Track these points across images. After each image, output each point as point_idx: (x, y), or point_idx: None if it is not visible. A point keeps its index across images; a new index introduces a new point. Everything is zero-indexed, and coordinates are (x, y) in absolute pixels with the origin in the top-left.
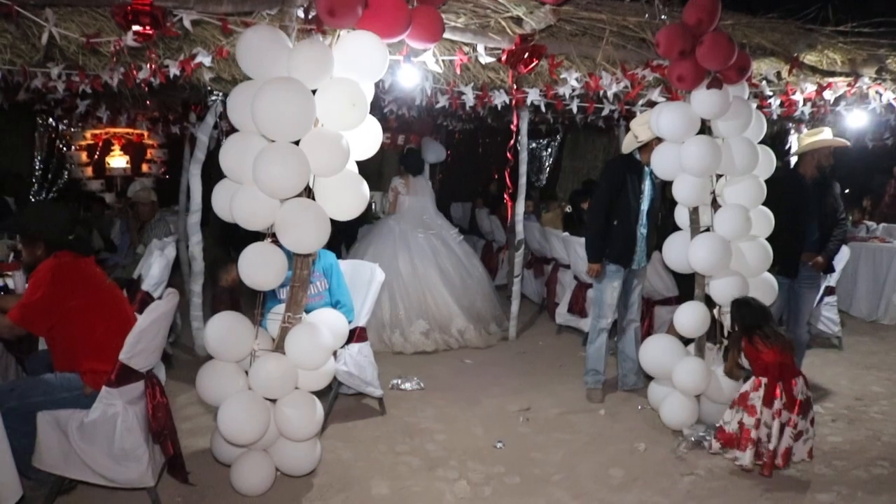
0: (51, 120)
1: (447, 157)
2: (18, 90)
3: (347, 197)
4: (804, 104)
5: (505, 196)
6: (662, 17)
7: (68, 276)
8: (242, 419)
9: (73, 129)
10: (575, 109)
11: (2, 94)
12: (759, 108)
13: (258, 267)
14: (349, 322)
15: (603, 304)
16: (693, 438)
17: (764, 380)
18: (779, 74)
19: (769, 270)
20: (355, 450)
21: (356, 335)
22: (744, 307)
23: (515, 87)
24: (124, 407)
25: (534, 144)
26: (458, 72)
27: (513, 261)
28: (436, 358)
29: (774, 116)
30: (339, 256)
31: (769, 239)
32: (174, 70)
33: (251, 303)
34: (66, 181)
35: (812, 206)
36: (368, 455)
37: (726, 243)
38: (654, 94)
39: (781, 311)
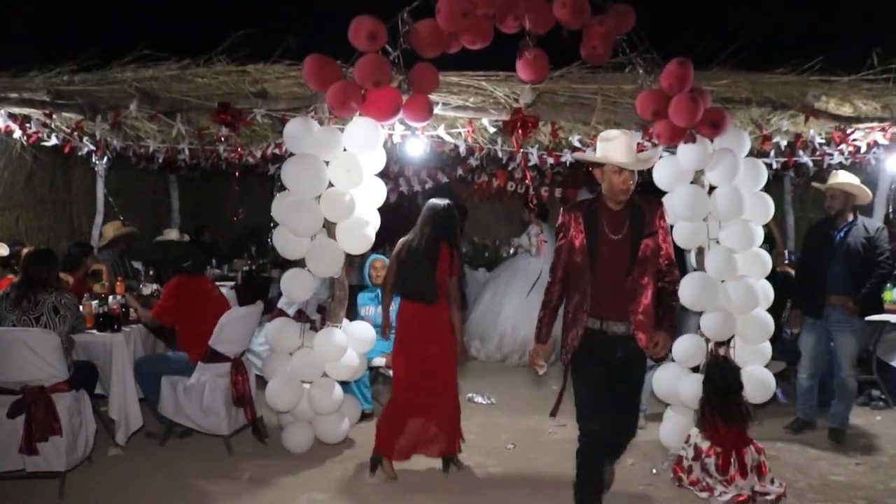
0: None
1: None
2: None
3: (353, 236)
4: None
5: None
6: (650, 84)
7: (183, 290)
8: (277, 391)
9: None
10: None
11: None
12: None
13: (291, 285)
14: None
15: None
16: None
17: (718, 449)
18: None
19: (800, 309)
20: None
21: None
22: (716, 370)
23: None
24: (212, 378)
25: None
26: (469, 140)
27: None
28: (532, 379)
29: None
30: None
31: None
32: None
33: None
34: None
35: (832, 246)
36: None
37: (710, 282)
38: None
39: (814, 351)
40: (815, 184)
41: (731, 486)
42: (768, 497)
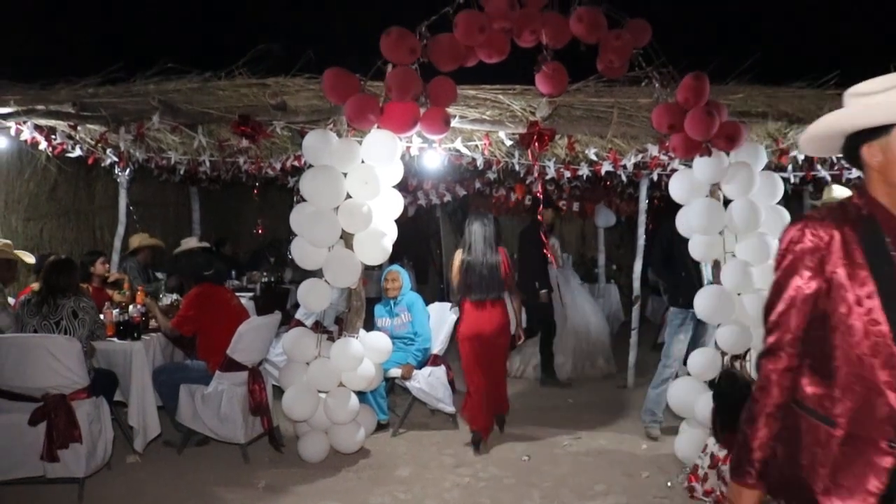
0: None
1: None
2: None
3: (370, 247)
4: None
5: None
6: (666, 98)
7: (203, 300)
8: (293, 400)
9: None
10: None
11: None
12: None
13: (308, 295)
14: (426, 349)
15: (670, 355)
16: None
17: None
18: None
19: None
20: (410, 446)
21: (430, 360)
22: (727, 383)
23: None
24: (229, 386)
25: None
26: (486, 153)
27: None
28: (547, 392)
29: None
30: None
31: None
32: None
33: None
34: None
35: None
36: (416, 450)
37: (726, 295)
38: (675, 163)
39: None
40: (811, 201)
41: None
42: None
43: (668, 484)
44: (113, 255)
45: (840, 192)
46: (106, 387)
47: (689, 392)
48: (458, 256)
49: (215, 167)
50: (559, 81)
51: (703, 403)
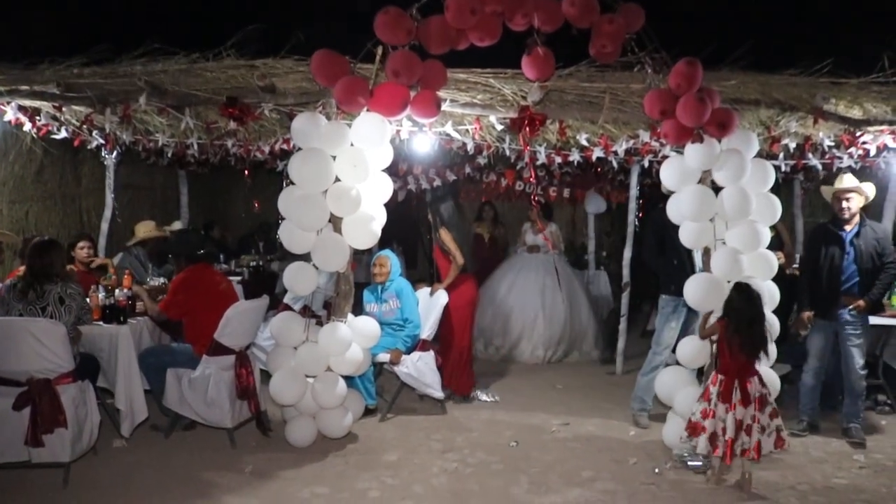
0: None
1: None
2: None
3: (359, 231)
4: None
5: None
6: (658, 84)
7: (191, 284)
8: (281, 385)
9: None
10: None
11: None
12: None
13: (294, 279)
14: (415, 335)
15: (661, 342)
16: (678, 459)
17: (721, 377)
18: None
19: (811, 311)
20: (398, 431)
21: (419, 346)
22: (741, 300)
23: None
24: (216, 371)
25: None
26: (477, 137)
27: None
28: (536, 377)
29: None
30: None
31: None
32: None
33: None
34: None
35: (844, 248)
36: (404, 436)
37: (716, 283)
38: (666, 149)
39: (822, 352)
40: (824, 187)
41: (729, 413)
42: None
43: (656, 470)
44: (100, 239)
45: (851, 181)
46: (89, 371)
47: (675, 383)
48: (448, 234)
49: (203, 150)
50: (546, 66)
51: (684, 396)
